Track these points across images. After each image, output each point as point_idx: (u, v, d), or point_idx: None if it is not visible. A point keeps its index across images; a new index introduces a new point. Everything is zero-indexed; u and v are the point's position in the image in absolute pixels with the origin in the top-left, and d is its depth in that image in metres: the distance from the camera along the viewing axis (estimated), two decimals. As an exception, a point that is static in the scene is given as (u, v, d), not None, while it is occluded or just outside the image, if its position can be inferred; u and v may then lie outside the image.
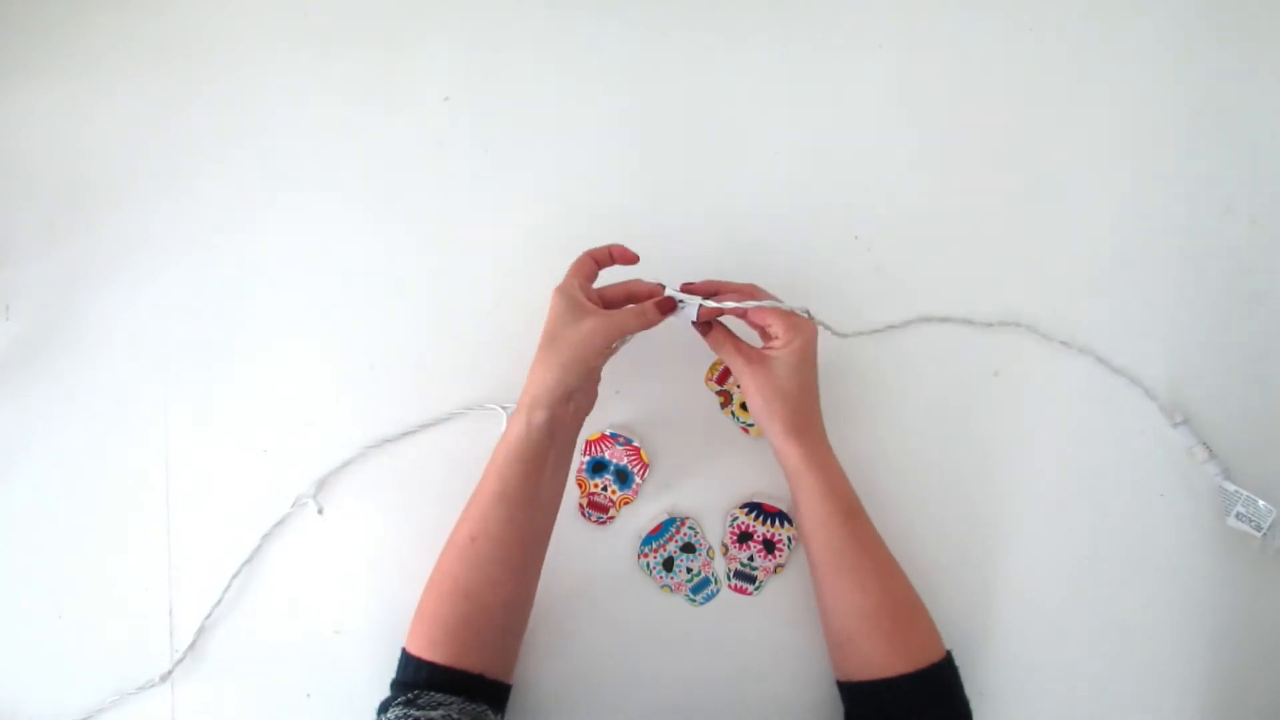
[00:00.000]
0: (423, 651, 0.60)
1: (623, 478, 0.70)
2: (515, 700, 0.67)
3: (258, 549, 0.70)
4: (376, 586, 0.68)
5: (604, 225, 0.73)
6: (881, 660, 0.59)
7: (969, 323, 0.71)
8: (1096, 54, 0.74)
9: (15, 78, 0.76)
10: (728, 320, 0.65)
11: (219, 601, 0.69)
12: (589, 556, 0.70)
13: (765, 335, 0.64)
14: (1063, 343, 0.70)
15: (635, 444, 0.70)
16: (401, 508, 0.70)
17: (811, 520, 0.62)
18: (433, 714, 0.56)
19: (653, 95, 0.75)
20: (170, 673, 0.69)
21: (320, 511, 0.70)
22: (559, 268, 0.72)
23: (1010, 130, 0.74)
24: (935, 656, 0.59)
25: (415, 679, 0.59)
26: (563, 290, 0.61)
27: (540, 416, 0.59)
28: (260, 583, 0.70)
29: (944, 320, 0.71)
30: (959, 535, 0.69)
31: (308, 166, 0.75)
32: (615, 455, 0.70)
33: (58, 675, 0.70)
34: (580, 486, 0.70)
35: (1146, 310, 0.71)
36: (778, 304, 0.61)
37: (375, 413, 0.71)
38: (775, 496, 0.69)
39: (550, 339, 0.60)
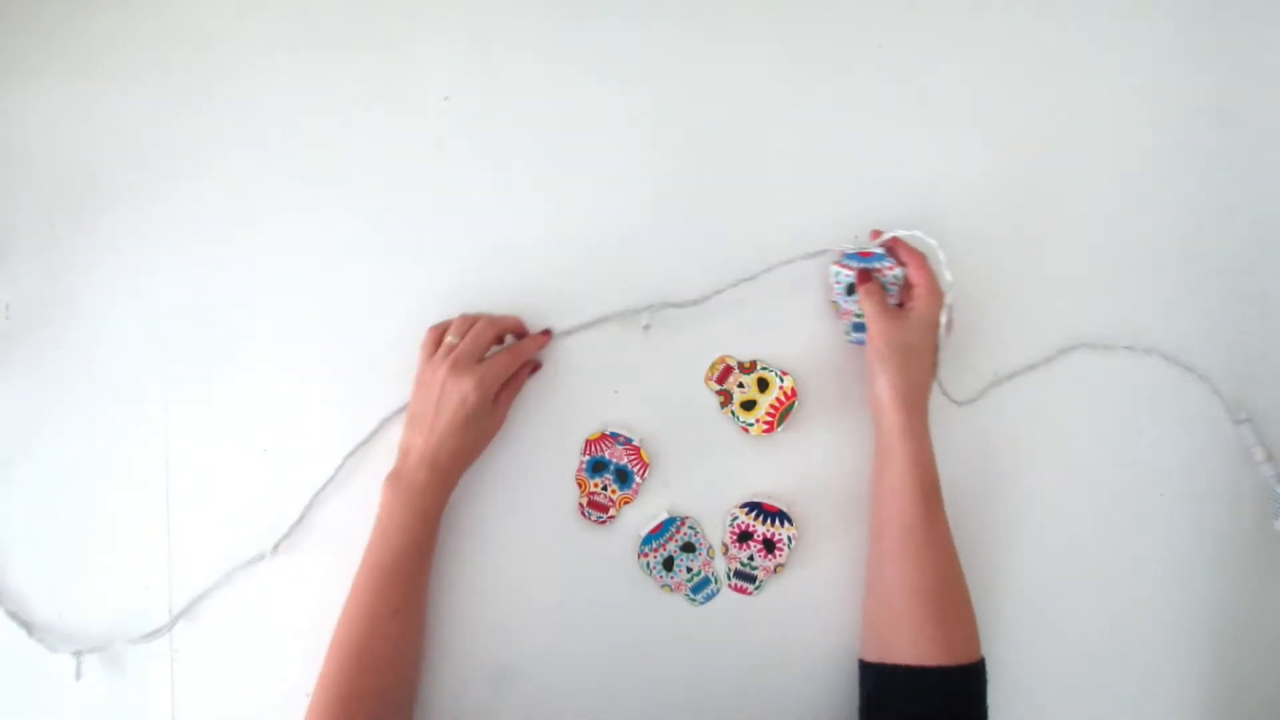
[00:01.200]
0: None
1: (623, 477, 0.70)
2: (515, 699, 0.67)
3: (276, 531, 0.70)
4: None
5: (604, 225, 0.73)
6: (926, 645, 0.58)
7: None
8: (1096, 53, 0.74)
9: (15, 78, 0.76)
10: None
11: (221, 583, 0.70)
12: (589, 556, 0.70)
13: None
14: (1126, 346, 0.70)
15: (635, 444, 0.70)
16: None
17: (892, 489, 0.62)
18: None
19: (652, 95, 0.75)
20: (176, 656, 0.69)
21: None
22: (559, 268, 0.72)
23: (1010, 129, 0.74)
24: (973, 657, 0.59)
25: None
26: (481, 388, 0.63)
27: (453, 478, 0.64)
28: (262, 582, 0.70)
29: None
30: (978, 534, 0.68)
31: (307, 166, 0.75)
32: (615, 455, 0.70)
33: (57, 675, 0.70)
34: (580, 486, 0.70)
35: (1161, 307, 0.71)
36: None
37: (375, 413, 0.71)
38: (775, 496, 0.69)
39: (468, 421, 0.63)
